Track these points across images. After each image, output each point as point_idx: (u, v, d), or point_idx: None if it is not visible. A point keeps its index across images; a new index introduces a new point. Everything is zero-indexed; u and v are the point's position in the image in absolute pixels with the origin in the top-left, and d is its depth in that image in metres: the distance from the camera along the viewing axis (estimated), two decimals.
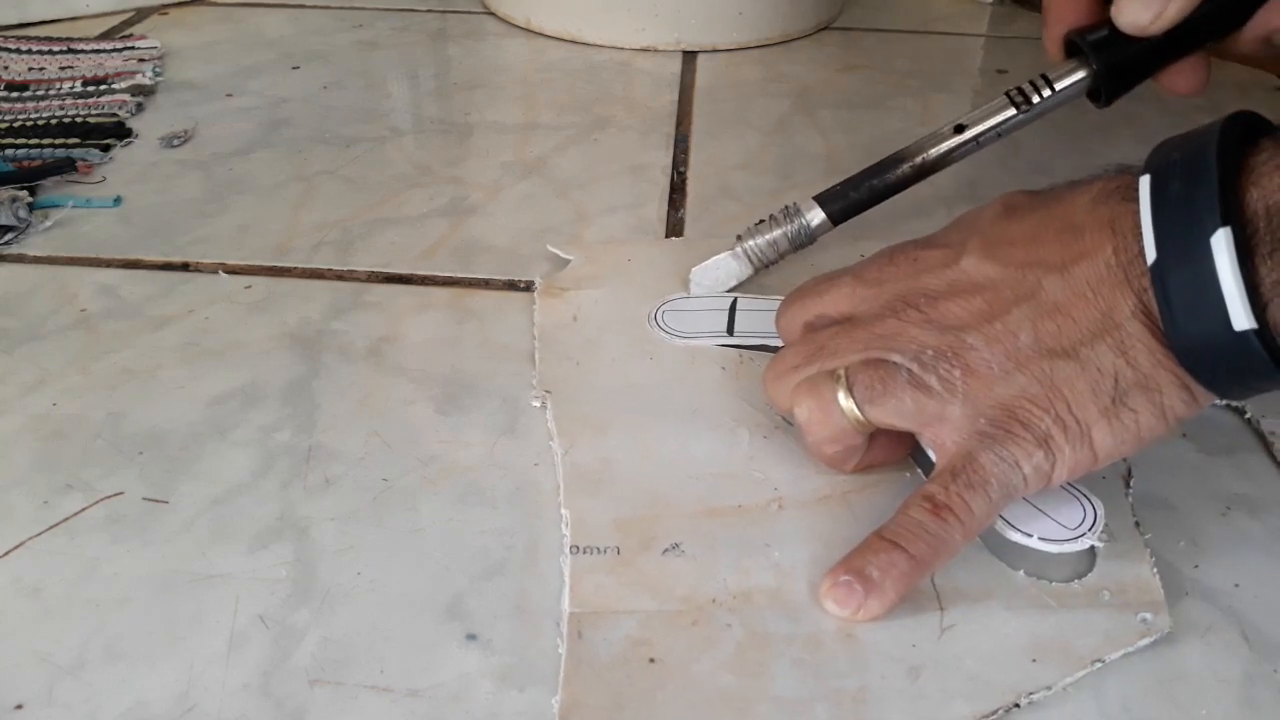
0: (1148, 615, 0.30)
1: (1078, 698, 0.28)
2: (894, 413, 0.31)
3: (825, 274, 0.36)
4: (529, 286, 0.45)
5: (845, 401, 0.32)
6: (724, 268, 0.44)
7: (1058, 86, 0.40)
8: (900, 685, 0.28)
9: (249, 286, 0.45)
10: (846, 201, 0.43)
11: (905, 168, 0.43)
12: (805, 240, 0.44)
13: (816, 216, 0.43)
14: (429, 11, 0.80)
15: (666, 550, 0.32)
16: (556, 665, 0.28)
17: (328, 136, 0.58)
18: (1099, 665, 0.28)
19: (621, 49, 0.72)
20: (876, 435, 0.33)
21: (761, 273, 0.45)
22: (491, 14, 0.79)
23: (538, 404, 0.38)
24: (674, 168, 0.56)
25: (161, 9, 0.78)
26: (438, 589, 0.30)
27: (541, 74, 0.68)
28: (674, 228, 0.50)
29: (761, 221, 0.44)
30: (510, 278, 0.46)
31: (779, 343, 0.37)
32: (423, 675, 0.28)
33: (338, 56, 0.70)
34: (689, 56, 0.72)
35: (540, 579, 0.31)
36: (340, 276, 0.46)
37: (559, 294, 0.44)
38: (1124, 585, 0.31)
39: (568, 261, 0.46)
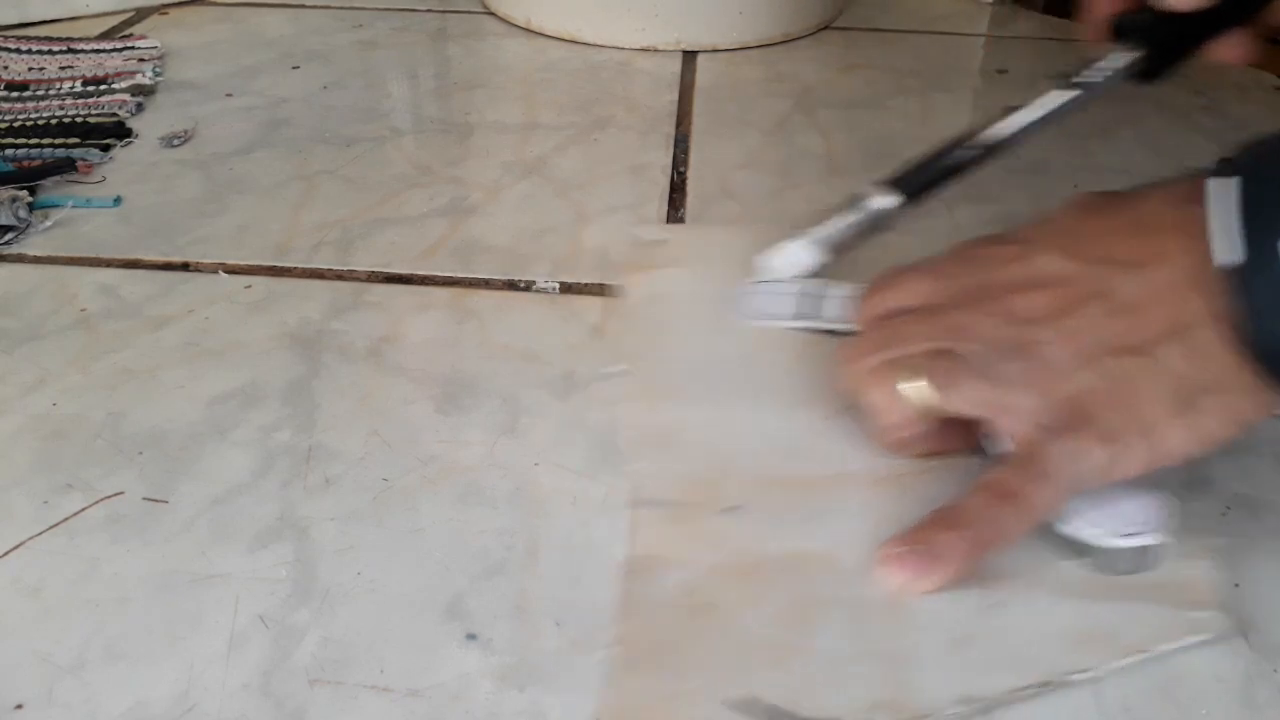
0: (1200, 614, 0.30)
1: (1078, 697, 0.28)
2: (962, 402, 0.32)
3: (902, 265, 0.36)
4: (529, 286, 0.45)
5: (914, 390, 0.32)
6: (792, 255, 0.44)
7: (1110, 69, 0.42)
8: (941, 652, 0.28)
9: (249, 286, 0.45)
10: (914, 185, 0.43)
11: (972, 150, 0.43)
12: (874, 227, 0.44)
13: (884, 201, 0.43)
14: (429, 11, 0.80)
15: (726, 510, 0.33)
16: (557, 665, 0.28)
17: (328, 136, 0.58)
18: (1142, 656, 0.28)
19: (621, 49, 0.72)
20: (942, 423, 0.34)
21: (834, 260, 0.45)
22: (491, 14, 0.79)
23: (612, 372, 0.39)
24: (674, 168, 0.56)
25: (161, 9, 0.78)
26: (438, 589, 0.30)
27: (541, 74, 0.68)
28: None
29: (831, 210, 0.44)
30: (510, 278, 0.46)
31: (852, 329, 0.38)
32: (423, 675, 0.28)
33: (338, 56, 0.70)
34: (689, 56, 0.72)
35: (540, 579, 0.31)
36: (340, 276, 0.46)
37: (641, 272, 0.45)
38: (1180, 583, 0.31)
39: (653, 241, 0.48)
